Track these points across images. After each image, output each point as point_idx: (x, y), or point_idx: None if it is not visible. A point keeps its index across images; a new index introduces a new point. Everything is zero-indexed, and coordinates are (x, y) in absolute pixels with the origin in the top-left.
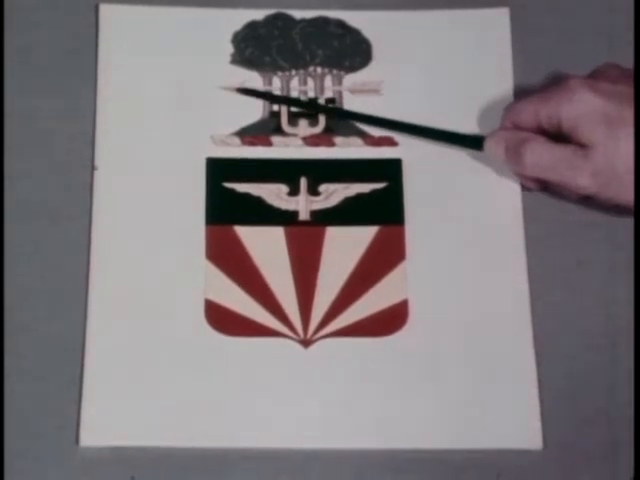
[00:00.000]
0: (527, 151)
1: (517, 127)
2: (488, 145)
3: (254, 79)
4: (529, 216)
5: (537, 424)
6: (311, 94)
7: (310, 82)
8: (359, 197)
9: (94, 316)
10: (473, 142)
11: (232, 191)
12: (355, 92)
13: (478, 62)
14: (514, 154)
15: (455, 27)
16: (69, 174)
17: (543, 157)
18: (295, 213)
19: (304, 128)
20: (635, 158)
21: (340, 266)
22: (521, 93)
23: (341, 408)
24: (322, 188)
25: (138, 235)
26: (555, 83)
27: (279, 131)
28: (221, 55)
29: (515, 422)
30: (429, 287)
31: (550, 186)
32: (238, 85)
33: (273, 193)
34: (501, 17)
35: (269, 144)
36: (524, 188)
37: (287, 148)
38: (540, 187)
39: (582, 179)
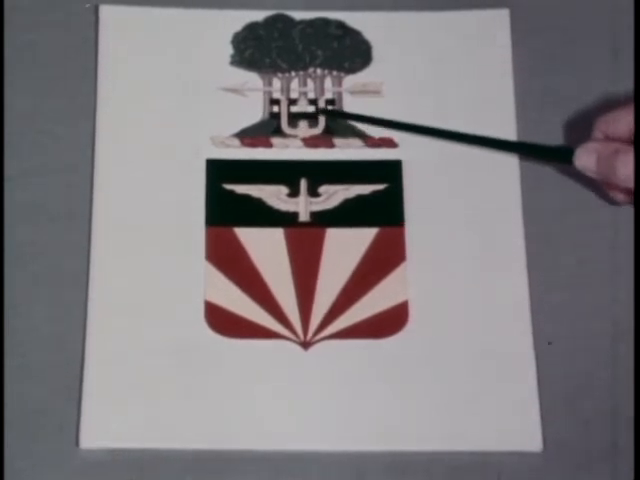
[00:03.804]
0: (620, 162)
1: (608, 138)
2: (579, 157)
3: (254, 80)
4: (529, 216)
5: (537, 426)
6: (311, 95)
7: (310, 83)
8: (359, 198)
9: (94, 317)
10: (560, 154)
11: (232, 192)
12: (355, 93)
13: (478, 63)
14: (606, 166)
15: (455, 28)
16: (69, 174)
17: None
18: (295, 214)
19: (304, 129)
20: (635, 159)
21: (340, 267)
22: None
23: (341, 410)
24: (322, 189)
25: (138, 236)
26: None
27: (279, 132)
28: (221, 56)
29: (515, 424)
30: (429, 288)
31: None
32: (238, 86)
33: (273, 194)
34: (501, 18)
35: (269, 145)
36: (610, 202)
37: (287, 149)
38: (629, 200)
39: None
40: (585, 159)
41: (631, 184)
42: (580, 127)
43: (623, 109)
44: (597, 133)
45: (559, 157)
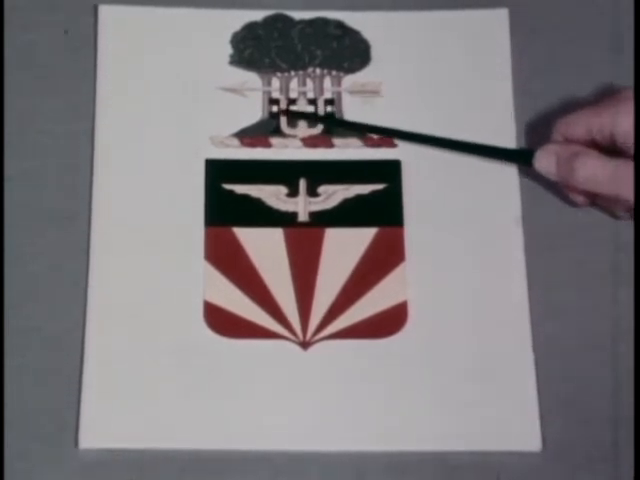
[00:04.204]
0: (579, 165)
1: (568, 140)
2: (538, 159)
3: (253, 80)
4: (529, 216)
5: (536, 425)
6: (310, 95)
7: (309, 83)
8: (358, 198)
9: (93, 318)
10: (520, 156)
11: (231, 192)
12: (354, 93)
13: (477, 63)
14: (566, 168)
15: (454, 28)
16: (69, 174)
17: (596, 171)
18: (294, 214)
19: (303, 129)
20: (635, 157)
21: (339, 267)
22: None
23: (340, 410)
24: (321, 189)
25: (137, 236)
26: (607, 95)
27: (278, 132)
28: (220, 56)
29: (514, 423)
30: (428, 288)
31: (599, 201)
32: (237, 86)
33: (272, 194)
34: (500, 18)
35: (268, 145)
36: (571, 204)
37: (286, 149)
38: (588, 202)
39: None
40: (545, 161)
41: (589, 187)
42: None
43: (582, 111)
44: (556, 135)
45: (519, 159)
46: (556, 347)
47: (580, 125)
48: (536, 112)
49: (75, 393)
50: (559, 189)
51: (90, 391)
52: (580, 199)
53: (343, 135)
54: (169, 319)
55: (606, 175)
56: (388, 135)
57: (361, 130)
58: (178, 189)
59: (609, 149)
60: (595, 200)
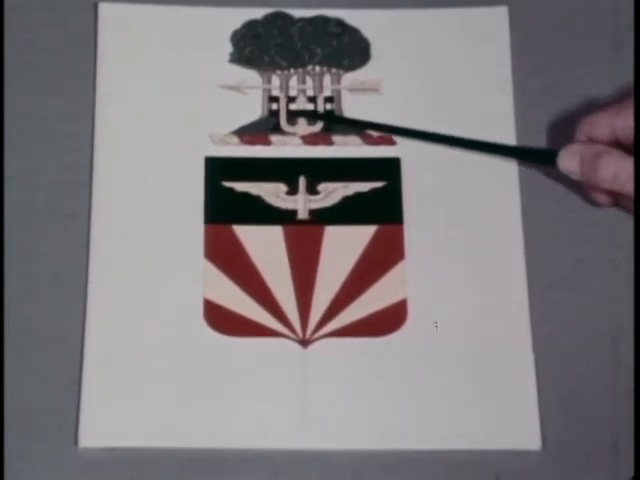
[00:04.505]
0: (603, 164)
1: (591, 140)
2: (562, 159)
3: (253, 78)
4: (528, 215)
5: (536, 424)
6: (310, 93)
7: (309, 81)
8: (358, 196)
9: (93, 316)
10: (543, 156)
11: (231, 190)
12: (354, 91)
13: (477, 61)
14: (589, 167)
15: (454, 26)
16: (69, 174)
17: (619, 170)
18: (294, 212)
19: (303, 127)
20: (635, 158)
21: (339, 265)
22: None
23: (340, 408)
24: (321, 187)
25: (137, 234)
26: (630, 94)
27: (278, 130)
28: (220, 54)
29: (514, 422)
30: (428, 286)
31: (622, 200)
32: (237, 84)
33: (272, 192)
34: (500, 16)
35: (268, 143)
36: (594, 204)
37: (286, 147)
38: (612, 202)
39: None
40: (568, 161)
41: (613, 186)
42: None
43: (605, 111)
44: (580, 135)
45: (543, 159)
46: (556, 347)
47: (604, 125)
48: (536, 109)
49: (75, 392)
50: (582, 188)
51: (90, 390)
52: (603, 199)
53: (343, 133)
54: (169, 317)
55: (629, 174)
56: (388, 132)
57: (361, 128)
58: (178, 187)
59: (633, 149)
60: (618, 200)
